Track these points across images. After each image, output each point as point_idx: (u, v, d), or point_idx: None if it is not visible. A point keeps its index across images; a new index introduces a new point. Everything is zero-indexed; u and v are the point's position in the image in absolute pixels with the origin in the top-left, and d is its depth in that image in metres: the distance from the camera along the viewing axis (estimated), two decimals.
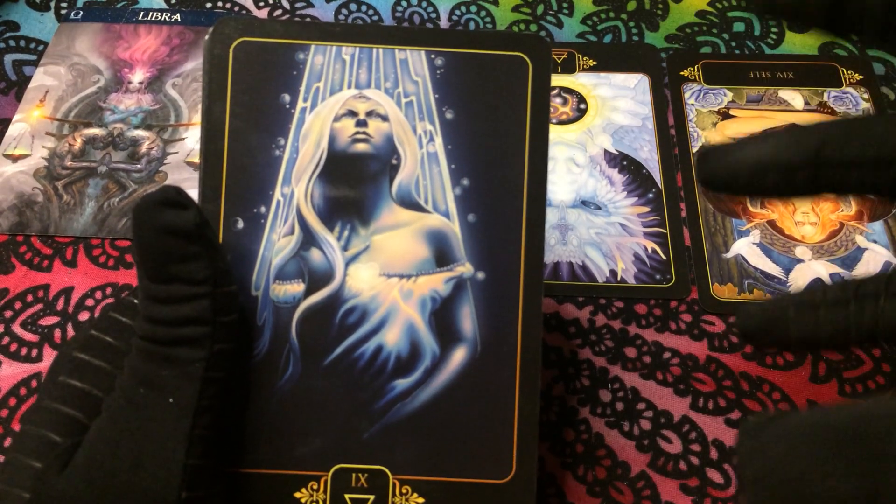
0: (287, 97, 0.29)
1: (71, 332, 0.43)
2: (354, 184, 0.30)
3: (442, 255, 0.30)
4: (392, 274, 0.29)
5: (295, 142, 0.29)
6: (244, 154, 0.29)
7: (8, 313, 0.43)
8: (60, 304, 0.43)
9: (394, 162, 0.30)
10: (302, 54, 0.29)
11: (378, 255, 0.29)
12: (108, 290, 0.44)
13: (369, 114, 0.30)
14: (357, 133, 0.30)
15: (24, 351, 0.42)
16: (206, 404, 0.25)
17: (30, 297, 0.44)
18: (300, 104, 0.29)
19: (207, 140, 0.29)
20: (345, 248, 0.29)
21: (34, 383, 0.41)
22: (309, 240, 0.29)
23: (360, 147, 0.30)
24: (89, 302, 0.43)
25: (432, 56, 0.30)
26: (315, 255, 0.29)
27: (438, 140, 0.30)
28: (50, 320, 0.43)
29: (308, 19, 0.54)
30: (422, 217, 0.30)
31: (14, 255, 0.45)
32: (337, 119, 0.30)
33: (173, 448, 0.24)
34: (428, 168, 0.30)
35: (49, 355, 0.42)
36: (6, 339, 0.42)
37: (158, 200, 0.24)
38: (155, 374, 0.25)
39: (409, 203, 0.30)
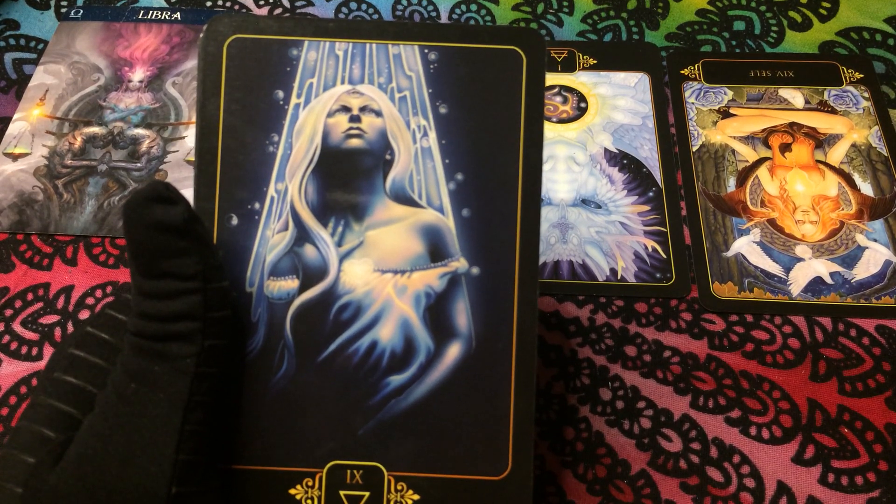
0: (281, 93, 0.29)
1: (71, 330, 0.43)
2: (348, 179, 0.29)
3: (436, 251, 0.29)
4: (386, 269, 0.29)
5: (289, 138, 0.29)
6: (238, 150, 0.29)
7: (8, 312, 0.43)
8: (61, 303, 0.43)
9: (387, 157, 0.30)
10: (295, 50, 0.29)
11: (372, 250, 0.29)
12: (109, 289, 0.44)
13: (363, 109, 0.30)
14: (351, 128, 0.29)
15: (24, 349, 0.42)
16: (198, 400, 0.25)
17: (30, 296, 0.44)
18: (294, 100, 0.29)
19: (202, 137, 0.29)
20: (339, 244, 0.29)
21: (34, 381, 0.41)
22: (303, 236, 0.29)
23: (354, 142, 0.29)
24: (89, 300, 0.44)
25: (426, 51, 0.30)
26: (309, 251, 0.29)
27: (432, 135, 0.29)
28: (50, 319, 0.43)
29: (308, 17, 0.54)
30: (416, 212, 0.29)
31: (14, 254, 0.45)
32: (330, 115, 0.29)
33: (164, 443, 0.24)
34: (422, 163, 0.29)
35: (49, 354, 0.42)
36: (6, 338, 0.42)
37: (147, 196, 0.24)
38: (146, 369, 0.25)
39: (403, 198, 0.30)
